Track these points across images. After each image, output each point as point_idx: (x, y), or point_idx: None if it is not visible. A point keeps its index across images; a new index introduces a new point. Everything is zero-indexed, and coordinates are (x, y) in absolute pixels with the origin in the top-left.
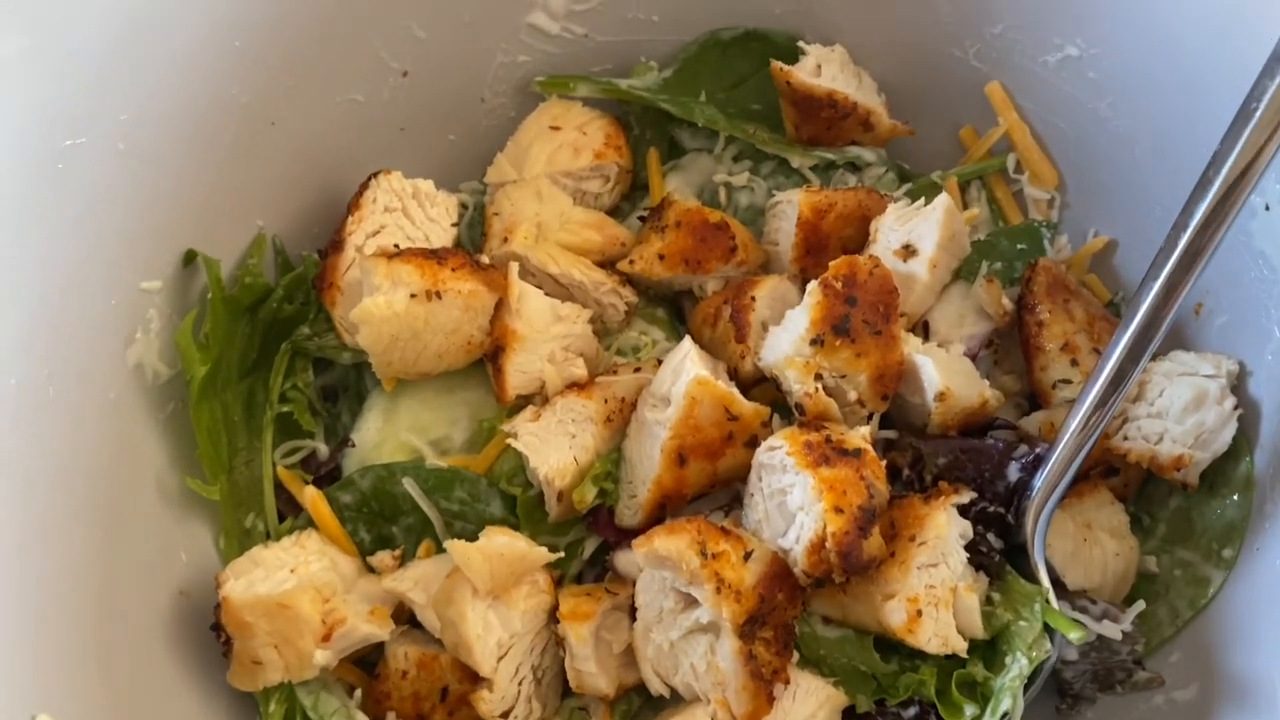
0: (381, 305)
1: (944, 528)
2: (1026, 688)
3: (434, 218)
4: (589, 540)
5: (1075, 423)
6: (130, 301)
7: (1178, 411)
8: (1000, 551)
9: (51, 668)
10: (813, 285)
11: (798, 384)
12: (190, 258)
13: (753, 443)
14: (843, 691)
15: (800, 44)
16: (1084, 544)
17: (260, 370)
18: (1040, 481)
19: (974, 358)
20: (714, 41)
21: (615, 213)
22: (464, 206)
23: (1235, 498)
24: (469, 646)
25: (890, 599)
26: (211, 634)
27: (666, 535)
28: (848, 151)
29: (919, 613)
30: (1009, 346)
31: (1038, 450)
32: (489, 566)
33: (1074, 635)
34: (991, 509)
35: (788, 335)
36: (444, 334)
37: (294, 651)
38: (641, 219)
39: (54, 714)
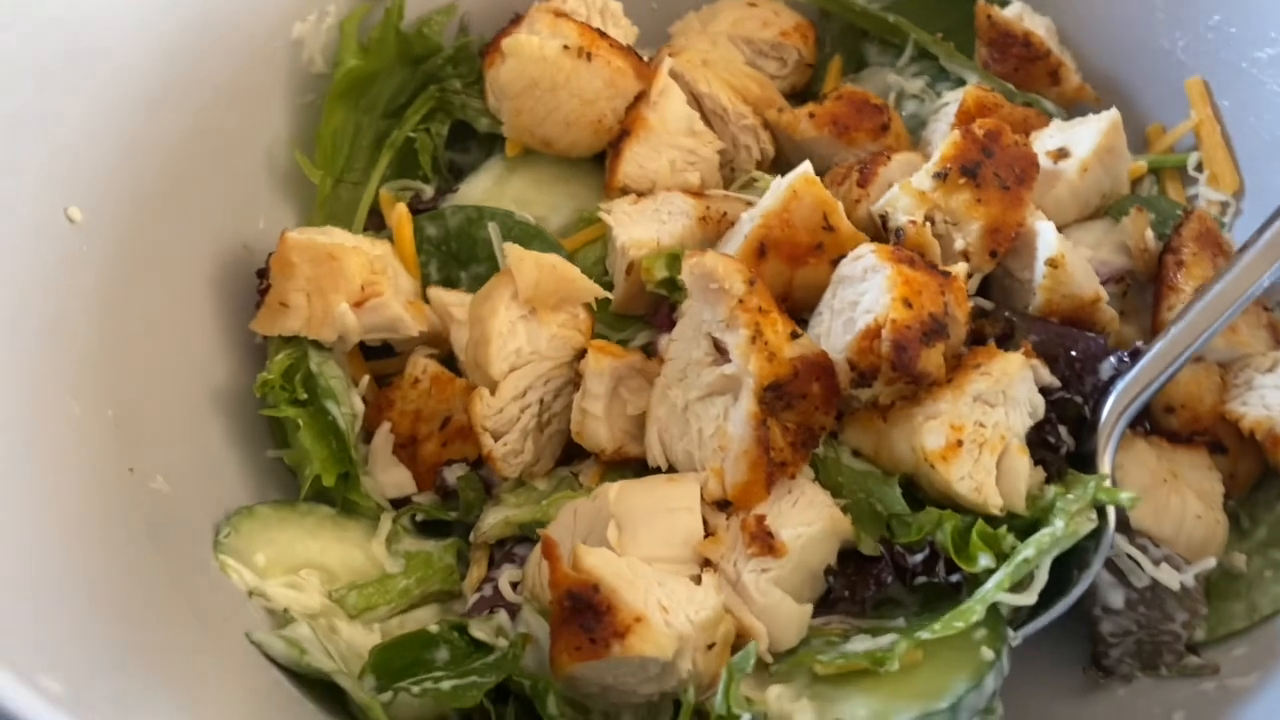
0: (534, 44)
1: (1014, 368)
2: (1058, 574)
3: (610, 34)
4: (644, 329)
5: (1174, 330)
6: None
7: None
8: (1069, 453)
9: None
10: (954, 131)
11: (906, 213)
12: None
13: (838, 263)
14: (849, 520)
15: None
16: (1163, 486)
17: (403, 115)
18: (1127, 380)
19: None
20: None
21: None
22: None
23: None
24: (488, 340)
25: (932, 419)
26: (255, 281)
27: (722, 258)
28: (1030, 95)
29: (959, 443)
30: (1140, 297)
31: (1137, 345)
32: (538, 274)
33: (1125, 497)
34: (1073, 400)
35: (912, 173)
36: (580, 100)
37: (322, 304)
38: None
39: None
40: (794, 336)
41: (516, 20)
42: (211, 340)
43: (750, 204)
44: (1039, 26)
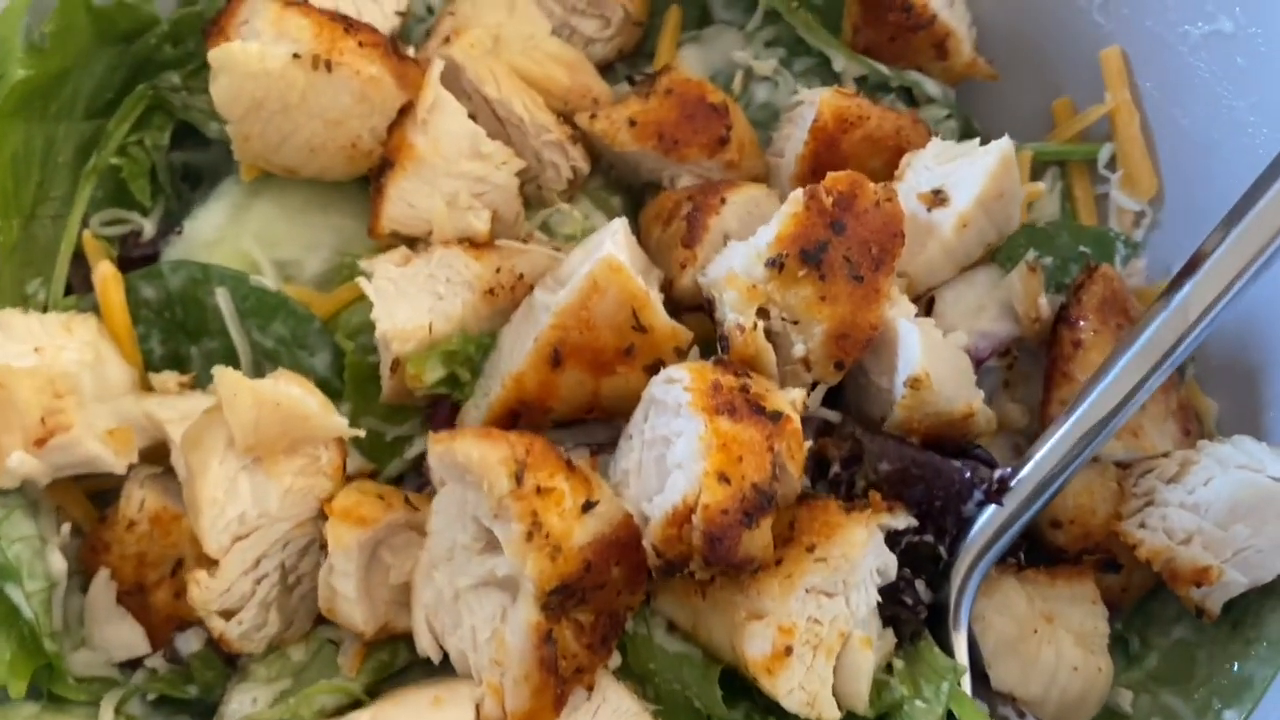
0: (252, 54)
1: (857, 549)
2: None
3: None
4: (420, 437)
5: (1047, 446)
6: None
7: (1221, 511)
8: (927, 609)
9: None
10: (796, 193)
11: (733, 310)
12: None
13: (654, 369)
14: None
15: None
16: (1033, 637)
17: (112, 116)
18: (985, 518)
19: (979, 363)
20: None
21: (605, 71)
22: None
23: (1264, 648)
24: (198, 508)
25: (756, 620)
26: None
27: (479, 438)
28: (908, 75)
29: (788, 649)
30: (1028, 368)
31: (1001, 474)
32: (258, 413)
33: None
34: (929, 545)
35: (743, 250)
36: (323, 121)
37: None
38: (630, 82)
39: None
40: (587, 508)
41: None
42: None
43: (556, 250)
44: None
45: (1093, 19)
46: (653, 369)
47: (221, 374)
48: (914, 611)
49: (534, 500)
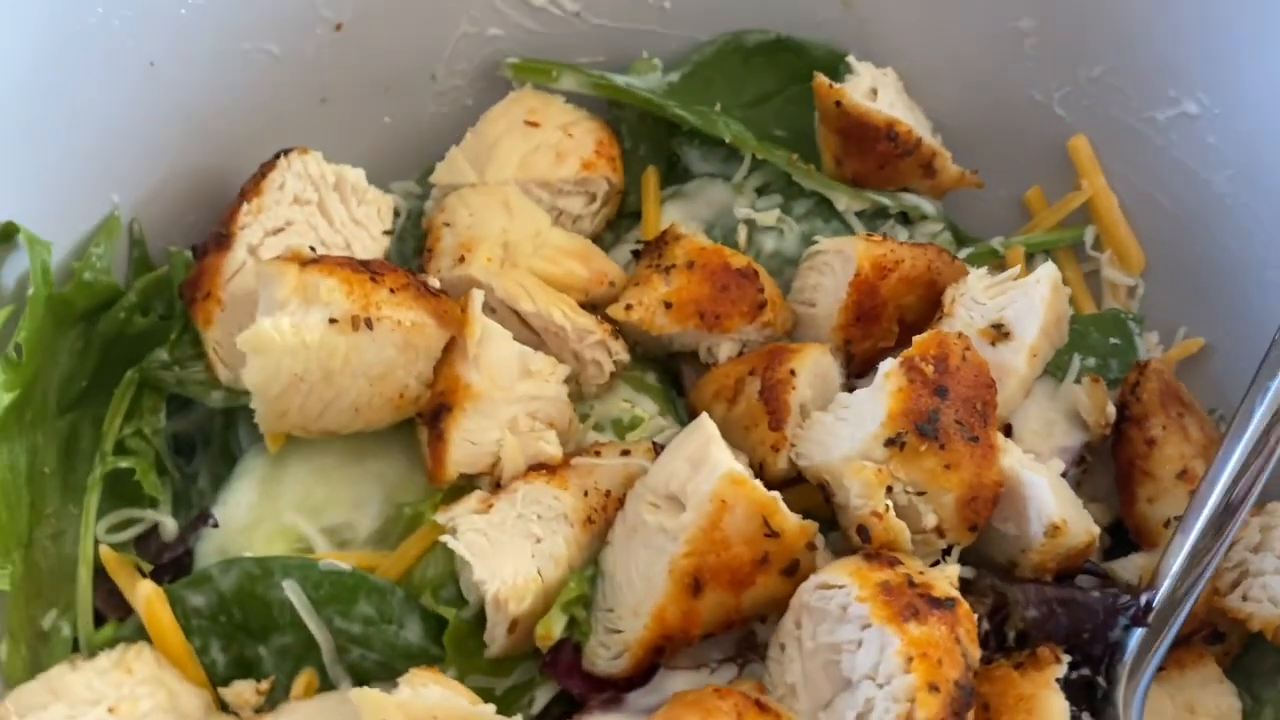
0: (287, 331)
1: (1059, 715)
2: None
3: (360, 220)
4: (540, 687)
5: (1179, 563)
6: None
7: None
8: None
9: None
10: (890, 366)
11: (862, 498)
12: (7, 234)
13: (791, 570)
14: None
15: (849, 59)
16: None
17: (90, 404)
18: (1135, 641)
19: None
20: (735, 45)
21: (597, 244)
22: (396, 213)
23: None
24: None
25: None
26: None
27: (696, 710)
28: (904, 199)
29: None
30: (1096, 465)
31: (1144, 599)
32: None
33: None
34: (1086, 677)
35: (850, 429)
36: (368, 380)
37: None
38: (635, 254)
39: None
40: None
41: (222, 242)
42: None
43: (626, 451)
44: (891, 92)
45: (1054, 112)
46: (789, 570)
47: (363, 697)
48: None
49: None
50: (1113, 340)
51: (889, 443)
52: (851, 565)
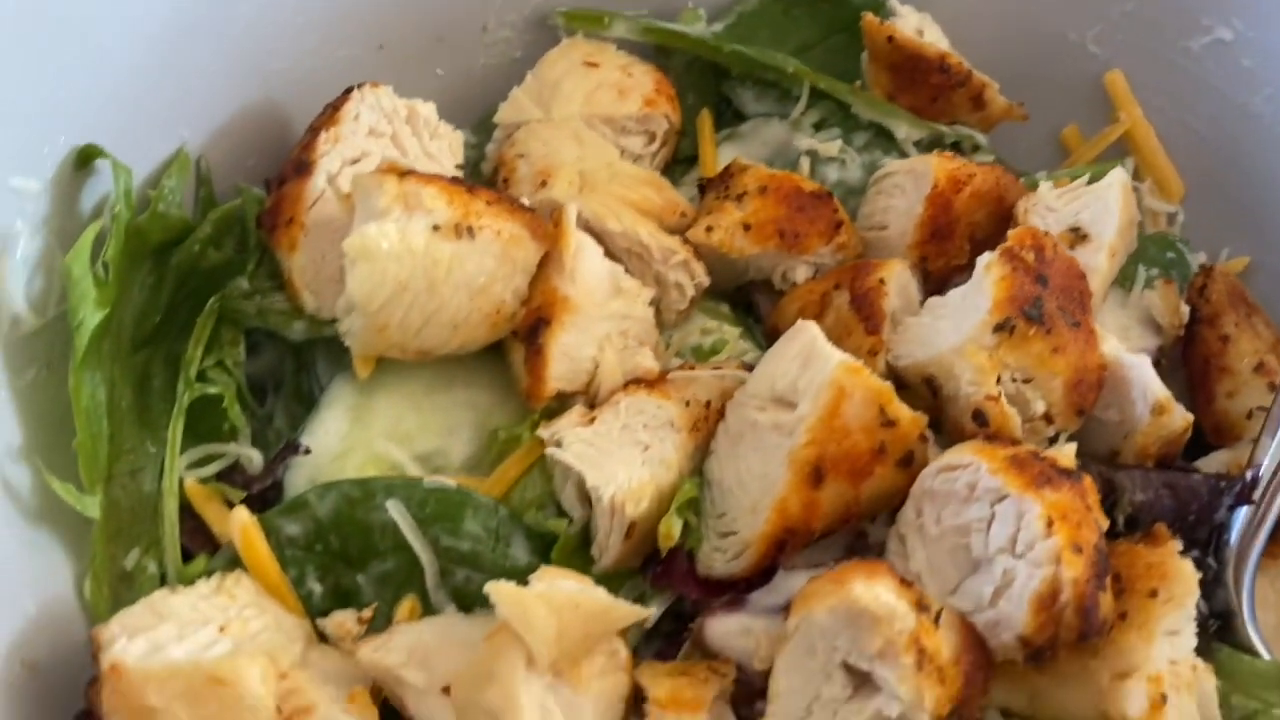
0: (393, 236)
1: (1193, 582)
2: None
3: (433, 153)
4: (652, 601)
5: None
6: None
7: None
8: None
9: None
10: (990, 258)
11: (975, 384)
12: (89, 157)
13: (907, 460)
14: None
15: (891, 2)
16: None
17: (163, 340)
18: (1240, 521)
19: None
20: None
21: None
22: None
23: None
24: None
25: (1125, 678)
26: None
27: (867, 579)
28: (959, 130)
29: (1163, 698)
30: (1166, 372)
31: (1249, 475)
32: (559, 621)
33: None
34: (1197, 560)
35: (953, 323)
36: (468, 291)
37: None
38: (701, 188)
39: None
40: (937, 620)
41: (302, 169)
42: None
43: (718, 372)
44: (936, 32)
45: (1088, 50)
46: (905, 461)
47: (498, 590)
48: (1205, 627)
49: (921, 632)
50: (1169, 255)
51: (998, 328)
52: (973, 446)
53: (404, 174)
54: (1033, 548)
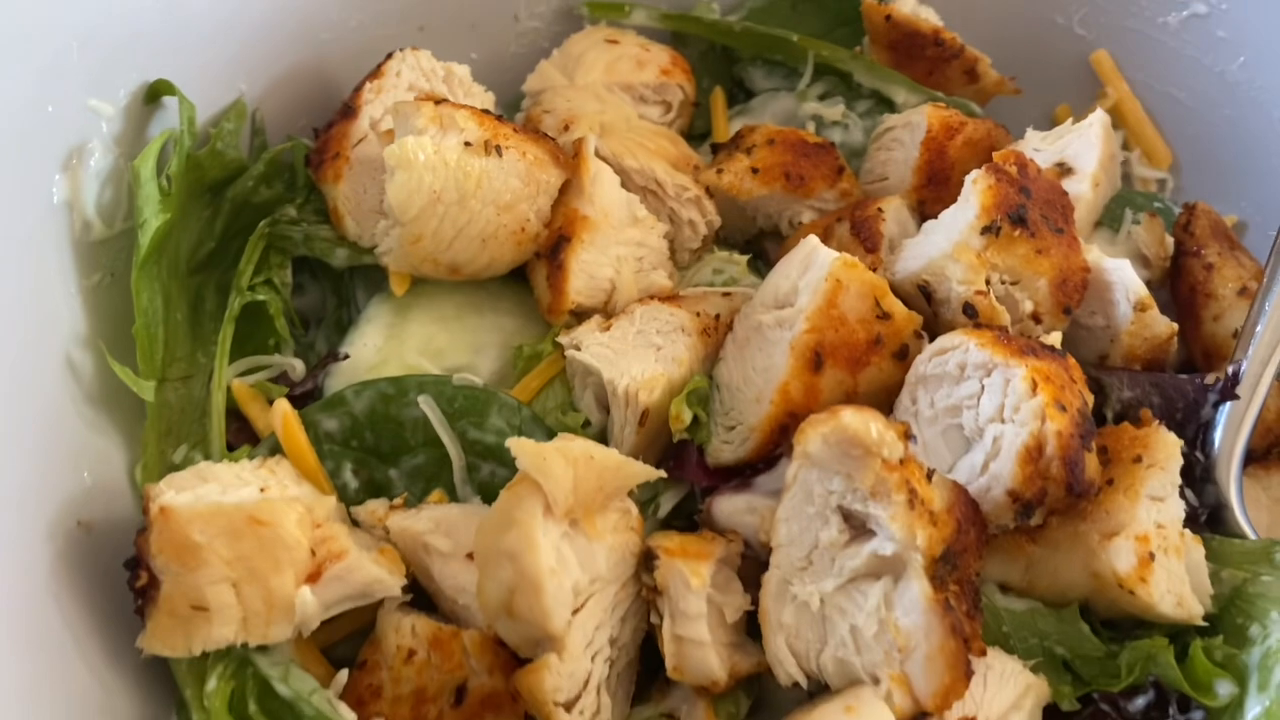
0: (429, 147)
1: (1175, 449)
2: None
3: None
4: (665, 493)
5: (1260, 332)
6: (70, 118)
7: None
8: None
9: None
10: (977, 173)
11: (965, 283)
12: (158, 92)
13: (902, 354)
14: (1044, 680)
15: None
16: (1278, 507)
17: (216, 268)
18: (1225, 417)
19: None
20: None
21: None
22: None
23: None
24: (539, 586)
25: (1113, 537)
26: (124, 575)
27: (855, 410)
28: (956, 100)
29: (1151, 555)
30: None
31: (1230, 369)
32: (575, 472)
33: None
34: (1185, 453)
35: (944, 234)
36: (496, 207)
37: (263, 593)
38: (714, 149)
39: None
40: (930, 476)
41: (348, 113)
42: (90, 677)
43: (727, 295)
44: (931, 12)
45: (1075, 32)
46: (900, 354)
47: (519, 444)
48: (1196, 519)
49: (910, 472)
50: (1156, 204)
51: (984, 230)
52: (963, 330)
53: (439, 101)
54: (1019, 409)
